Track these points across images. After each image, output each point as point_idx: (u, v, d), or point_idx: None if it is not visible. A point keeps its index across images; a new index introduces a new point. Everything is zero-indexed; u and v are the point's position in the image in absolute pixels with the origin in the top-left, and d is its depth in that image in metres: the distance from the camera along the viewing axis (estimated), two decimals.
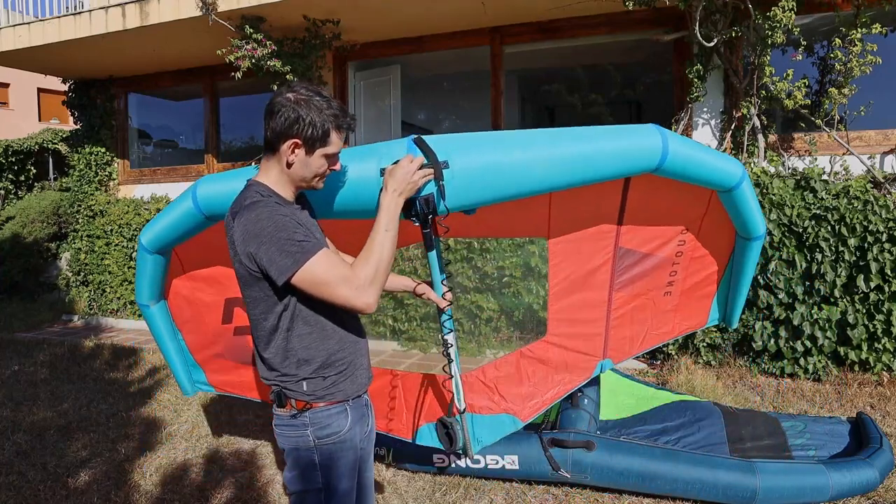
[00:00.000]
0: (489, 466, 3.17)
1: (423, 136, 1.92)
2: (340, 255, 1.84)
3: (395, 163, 1.77)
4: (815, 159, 5.00)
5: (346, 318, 1.72)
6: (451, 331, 2.32)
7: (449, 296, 2.22)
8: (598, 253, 2.71)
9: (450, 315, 2.28)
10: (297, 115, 1.58)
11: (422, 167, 1.77)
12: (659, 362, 5.18)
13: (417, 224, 1.90)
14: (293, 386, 1.66)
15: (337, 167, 1.70)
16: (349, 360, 1.72)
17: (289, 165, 1.63)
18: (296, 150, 1.61)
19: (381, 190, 1.71)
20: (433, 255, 2.09)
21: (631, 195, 2.52)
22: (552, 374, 2.92)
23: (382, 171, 1.84)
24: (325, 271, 1.53)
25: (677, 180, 2.31)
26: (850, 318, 4.55)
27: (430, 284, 2.23)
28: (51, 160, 11.18)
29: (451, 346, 2.32)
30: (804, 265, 4.68)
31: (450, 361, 2.33)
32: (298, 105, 1.58)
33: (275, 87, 5.95)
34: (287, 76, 6.04)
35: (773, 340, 4.78)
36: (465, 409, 2.64)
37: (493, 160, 1.97)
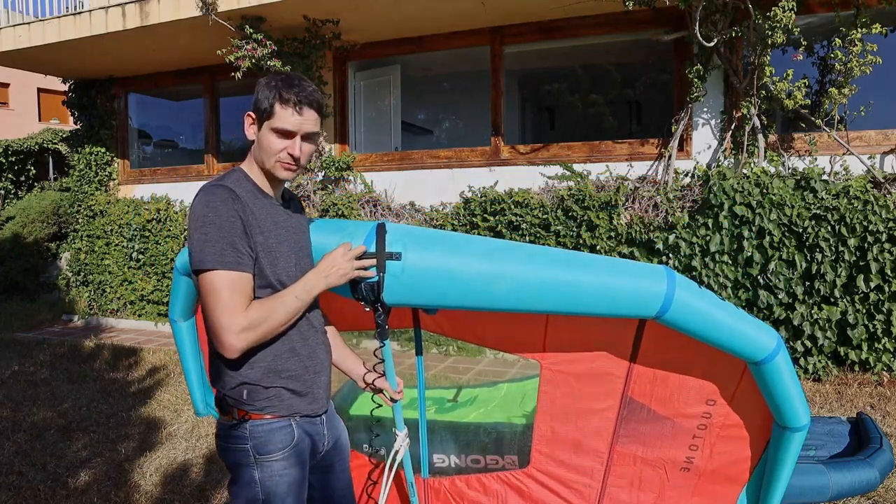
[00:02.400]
0: (489, 466, 3.17)
1: (391, 226, 1.79)
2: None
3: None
4: (815, 159, 5.00)
5: (303, 329, 1.65)
6: (405, 431, 2.09)
7: (401, 387, 2.02)
8: (600, 396, 2.32)
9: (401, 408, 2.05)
10: (258, 93, 1.61)
11: (363, 256, 1.68)
12: None
13: (368, 309, 1.78)
14: (233, 392, 1.57)
15: (294, 151, 1.61)
16: (298, 376, 1.63)
17: (252, 143, 1.65)
18: (251, 126, 1.63)
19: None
20: (387, 348, 1.90)
21: (648, 333, 2.16)
22: None
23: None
24: (224, 287, 1.47)
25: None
26: (850, 318, 4.55)
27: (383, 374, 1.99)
28: (51, 160, 11.19)
29: (402, 447, 2.08)
30: (804, 265, 4.68)
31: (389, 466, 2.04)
32: (262, 84, 1.61)
33: None
34: None
35: None
36: None
37: (450, 265, 1.79)
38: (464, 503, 2.67)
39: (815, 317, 4.64)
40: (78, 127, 8.53)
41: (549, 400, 2.39)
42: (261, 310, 1.52)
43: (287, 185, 1.79)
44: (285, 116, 1.58)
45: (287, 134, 1.59)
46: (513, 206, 5.78)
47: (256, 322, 1.50)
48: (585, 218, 5.46)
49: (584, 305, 1.88)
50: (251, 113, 1.62)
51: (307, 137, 1.62)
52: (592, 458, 2.45)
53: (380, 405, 1.99)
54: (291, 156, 1.60)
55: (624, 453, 2.43)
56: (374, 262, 1.71)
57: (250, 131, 1.64)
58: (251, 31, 5.85)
